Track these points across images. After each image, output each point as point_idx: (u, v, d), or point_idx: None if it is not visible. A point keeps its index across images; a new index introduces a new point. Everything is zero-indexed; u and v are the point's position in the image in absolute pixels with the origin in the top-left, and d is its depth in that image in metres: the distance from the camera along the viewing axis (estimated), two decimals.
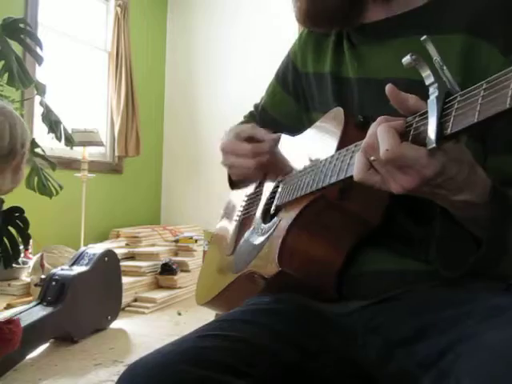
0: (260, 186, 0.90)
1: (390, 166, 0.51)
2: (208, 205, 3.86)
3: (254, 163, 0.79)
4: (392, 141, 0.50)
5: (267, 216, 0.81)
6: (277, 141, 0.81)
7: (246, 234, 0.85)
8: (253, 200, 0.90)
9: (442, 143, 0.48)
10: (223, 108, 3.93)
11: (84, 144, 2.99)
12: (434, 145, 0.48)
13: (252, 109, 1.05)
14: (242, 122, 1.04)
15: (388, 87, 0.53)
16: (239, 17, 4.13)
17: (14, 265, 1.96)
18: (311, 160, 0.73)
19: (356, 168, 0.55)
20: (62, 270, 2.25)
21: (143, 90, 4.06)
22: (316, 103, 0.85)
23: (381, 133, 0.51)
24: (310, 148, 0.77)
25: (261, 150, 0.79)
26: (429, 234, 0.65)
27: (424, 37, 0.51)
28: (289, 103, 0.92)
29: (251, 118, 1.03)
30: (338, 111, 0.72)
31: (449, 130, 0.47)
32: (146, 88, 4.13)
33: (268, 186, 0.85)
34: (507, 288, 0.62)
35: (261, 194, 0.88)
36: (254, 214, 0.86)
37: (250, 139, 0.81)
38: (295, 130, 0.89)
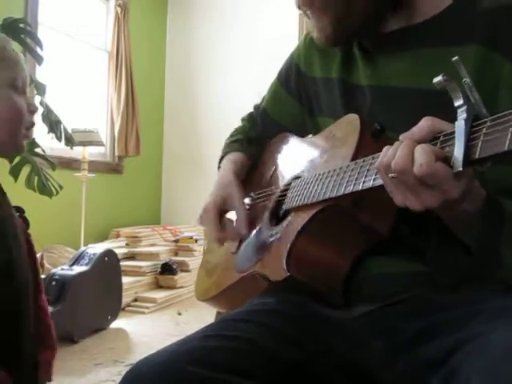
0: (268, 185, 0.89)
1: (419, 184, 0.50)
2: None
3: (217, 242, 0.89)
4: (428, 157, 0.49)
5: (274, 218, 0.81)
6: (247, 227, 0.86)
7: (252, 234, 0.84)
8: (259, 199, 0.89)
9: (468, 167, 0.48)
10: (223, 108, 3.93)
11: (84, 144, 2.99)
12: (461, 168, 0.47)
13: (252, 109, 1.04)
14: (238, 128, 1.03)
15: (402, 137, 0.53)
16: (239, 17, 4.13)
17: None
18: (324, 166, 0.72)
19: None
20: (62, 269, 2.25)
21: (143, 90, 4.05)
22: (323, 108, 0.84)
23: (418, 150, 0.50)
24: (322, 153, 0.76)
25: (229, 239, 0.88)
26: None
27: (455, 58, 0.51)
28: (291, 105, 0.91)
29: (250, 120, 1.02)
30: (354, 118, 0.70)
31: (476, 154, 0.46)
32: (145, 88, 4.13)
33: (277, 187, 0.85)
34: (506, 290, 0.62)
35: (268, 193, 0.87)
36: (261, 213, 0.85)
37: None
38: (297, 132, 0.88)
